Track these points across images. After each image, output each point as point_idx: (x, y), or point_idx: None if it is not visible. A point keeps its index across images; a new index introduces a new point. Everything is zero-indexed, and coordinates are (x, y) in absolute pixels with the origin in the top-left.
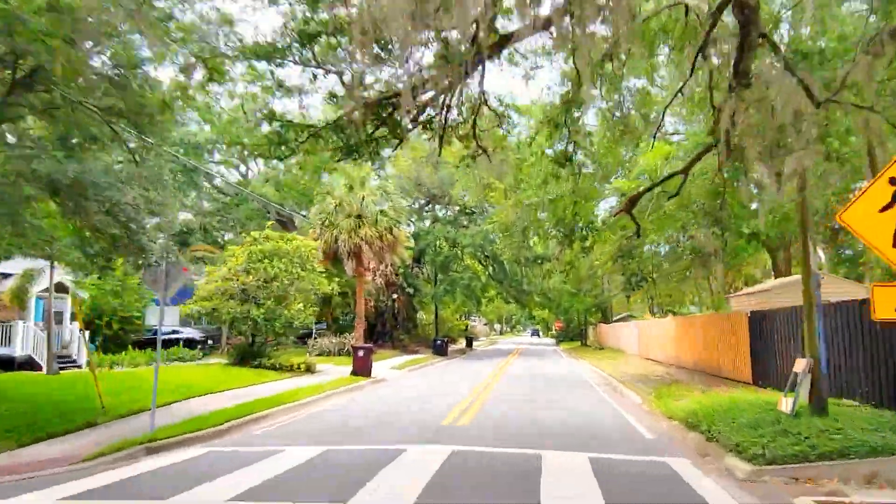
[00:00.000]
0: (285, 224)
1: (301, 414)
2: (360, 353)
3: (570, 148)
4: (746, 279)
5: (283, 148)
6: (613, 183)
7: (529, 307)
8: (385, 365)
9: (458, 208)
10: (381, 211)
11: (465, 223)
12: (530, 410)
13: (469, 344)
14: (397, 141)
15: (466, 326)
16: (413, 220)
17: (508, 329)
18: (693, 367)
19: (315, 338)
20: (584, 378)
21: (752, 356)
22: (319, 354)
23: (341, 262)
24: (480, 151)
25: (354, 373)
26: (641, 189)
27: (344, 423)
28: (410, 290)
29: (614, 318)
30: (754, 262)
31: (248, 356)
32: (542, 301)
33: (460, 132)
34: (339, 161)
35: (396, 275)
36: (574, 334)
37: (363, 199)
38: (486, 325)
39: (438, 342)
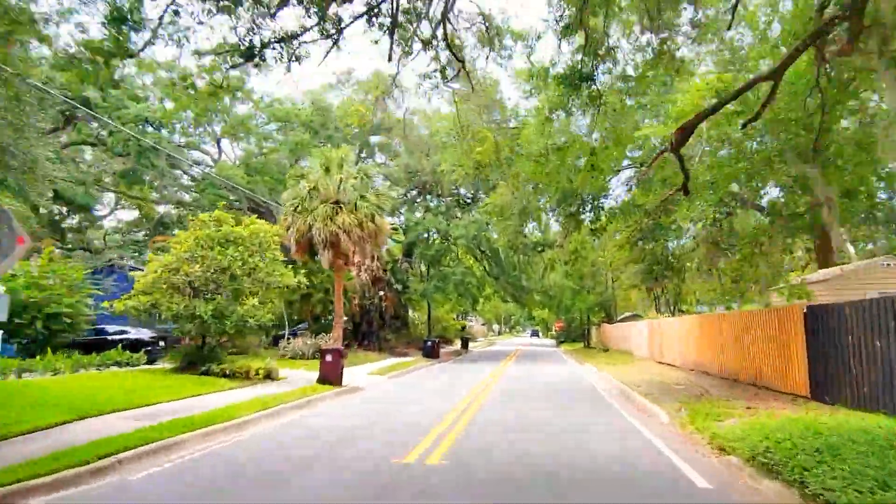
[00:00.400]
0: (263, 215)
1: (222, 442)
2: (329, 358)
3: (589, 63)
4: (756, 279)
5: (124, 30)
6: (641, 129)
7: (529, 306)
8: (364, 370)
9: (450, 198)
10: (362, 196)
11: (459, 214)
12: (529, 438)
13: (464, 345)
14: (330, 41)
15: (463, 327)
16: (403, 210)
17: (507, 329)
18: (721, 373)
19: (288, 339)
20: (593, 386)
21: (811, 362)
22: (292, 357)
23: (317, 254)
24: (459, 68)
25: (322, 380)
26: (702, 112)
27: (265, 459)
28: (398, 287)
29: (619, 318)
30: (765, 259)
31: (196, 361)
32: (542, 300)
33: (423, 32)
34: (234, 67)
35: (384, 270)
36: (576, 335)
37: (340, 182)
38: (484, 325)
39: (429, 343)
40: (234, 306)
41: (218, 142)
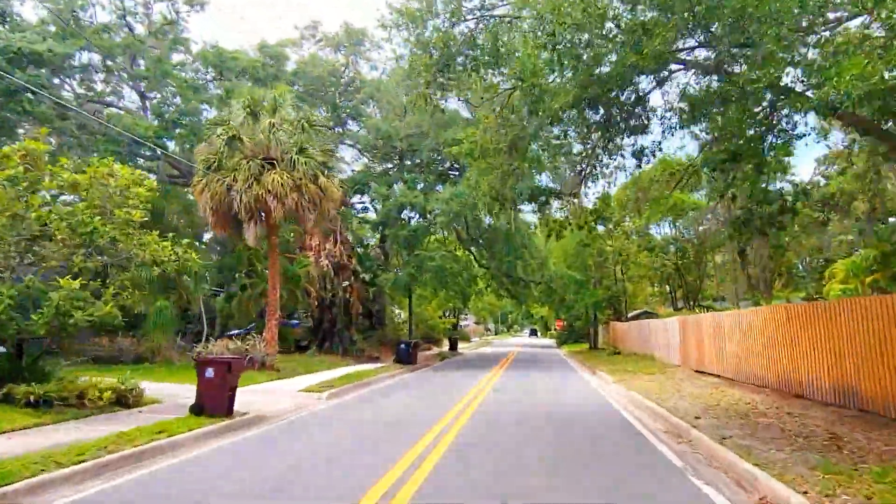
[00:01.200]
0: (186, 179)
1: None
2: (209, 374)
3: None
4: (789, 268)
5: None
6: None
7: (527, 302)
8: (303, 382)
9: (431, 174)
10: (301, 149)
11: (440, 189)
12: None
13: (453, 347)
14: None
15: (455, 325)
16: (374, 182)
17: (505, 329)
18: (832, 398)
19: (208, 342)
20: (623, 416)
21: None
22: None
23: (241, 227)
24: None
25: (197, 408)
26: None
27: None
28: (366, 277)
29: (628, 315)
30: (799, 245)
31: (7, 378)
32: (541, 295)
33: None
34: None
35: (349, 256)
36: (579, 335)
37: (272, 129)
38: (479, 324)
39: (402, 346)
40: (55, 292)
41: (142, 96)
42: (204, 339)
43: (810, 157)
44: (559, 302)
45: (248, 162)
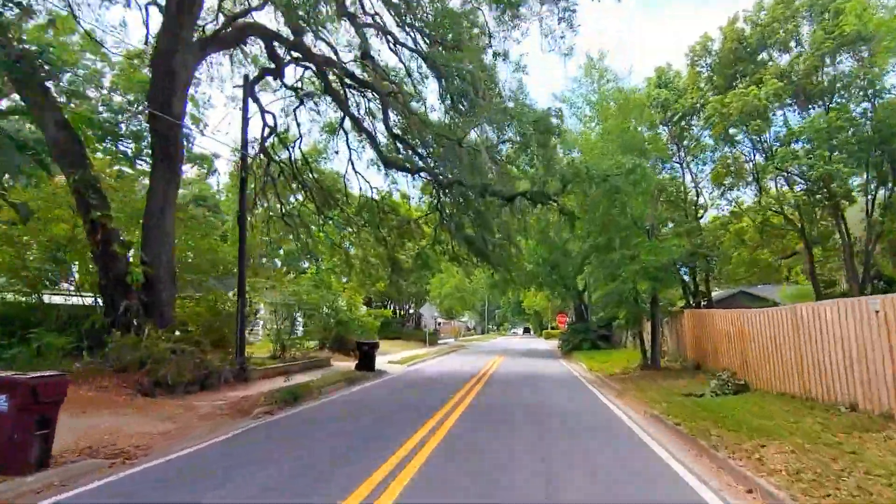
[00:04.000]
0: None
1: None
2: None
3: None
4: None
5: None
6: None
7: (507, 268)
8: None
9: None
10: None
11: None
12: None
13: (365, 361)
14: None
15: (417, 321)
16: None
17: (494, 328)
18: None
19: None
20: None
21: None
22: None
23: None
24: None
25: None
26: None
27: None
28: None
29: (708, 299)
30: None
31: None
32: (534, 274)
33: None
34: None
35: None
36: (598, 335)
37: None
38: (454, 319)
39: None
40: None
41: None
42: None
43: None
44: (579, 266)
45: None
